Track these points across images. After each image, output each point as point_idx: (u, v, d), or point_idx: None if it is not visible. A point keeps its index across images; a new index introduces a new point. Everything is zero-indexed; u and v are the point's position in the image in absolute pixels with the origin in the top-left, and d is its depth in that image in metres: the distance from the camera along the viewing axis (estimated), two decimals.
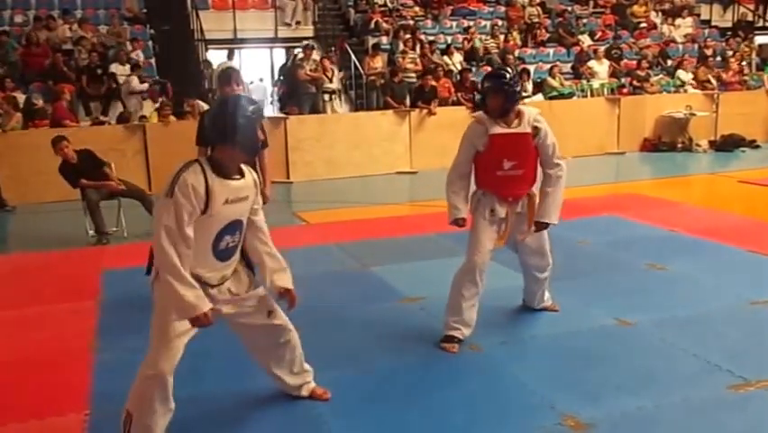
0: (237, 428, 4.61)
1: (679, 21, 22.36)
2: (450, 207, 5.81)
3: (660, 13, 22.86)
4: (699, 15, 23.59)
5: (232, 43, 19.10)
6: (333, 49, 18.15)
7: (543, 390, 5.01)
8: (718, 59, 20.52)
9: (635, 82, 18.50)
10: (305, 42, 18.23)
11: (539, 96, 17.32)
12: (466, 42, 18.90)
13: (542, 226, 5.84)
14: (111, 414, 4.78)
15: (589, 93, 18.27)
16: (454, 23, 20.39)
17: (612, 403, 4.79)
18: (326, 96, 16.60)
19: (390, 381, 5.22)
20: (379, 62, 17.47)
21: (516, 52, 18.92)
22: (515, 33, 19.96)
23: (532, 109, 5.81)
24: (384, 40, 18.79)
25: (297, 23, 20.22)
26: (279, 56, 21.39)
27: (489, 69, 17.53)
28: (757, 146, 17.63)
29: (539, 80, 18.10)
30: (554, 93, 17.56)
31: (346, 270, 8.09)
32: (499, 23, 20.37)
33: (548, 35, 20.33)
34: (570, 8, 21.89)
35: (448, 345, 5.71)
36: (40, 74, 15.19)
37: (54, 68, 15.14)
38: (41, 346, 6.11)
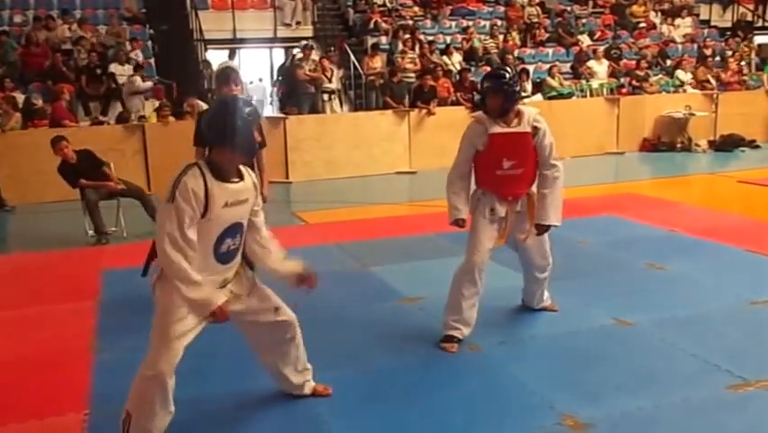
0: (237, 428, 4.61)
1: (678, 21, 22.36)
2: (450, 208, 5.81)
3: (659, 13, 22.86)
4: (698, 15, 23.59)
5: (231, 43, 19.10)
6: (332, 49, 18.13)
7: (542, 390, 5.01)
8: (718, 59, 20.53)
9: (634, 82, 18.50)
10: (303, 42, 18.22)
11: (538, 96, 17.33)
12: (465, 42, 18.89)
13: (543, 229, 5.84)
14: (110, 414, 4.78)
15: (588, 93, 18.28)
16: (453, 23, 20.37)
17: (611, 403, 4.79)
18: (325, 96, 16.60)
19: (390, 381, 5.23)
20: (378, 62, 17.45)
21: (516, 52, 18.92)
22: (514, 33, 19.94)
23: (531, 109, 5.82)
24: (383, 40, 18.78)
25: (298, 23, 20.21)
26: (279, 56, 21.38)
27: (489, 68, 17.55)
28: (757, 146, 17.63)
29: (538, 80, 18.10)
30: (554, 93, 17.56)
31: (346, 270, 8.09)
32: (499, 22, 20.35)
33: (547, 35, 20.33)
34: (569, 8, 21.88)
35: (447, 345, 5.72)
36: (39, 74, 15.19)
37: (53, 68, 15.13)
38: (40, 346, 6.10)
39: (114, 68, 15.60)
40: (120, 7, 18.45)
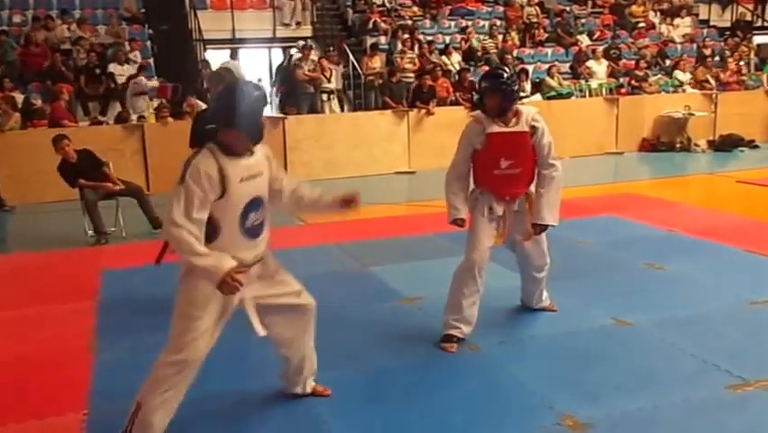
0: (237, 428, 4.61)
1: (677, 21, 22.36)
2: (449, 207, 5.81)
3: (658, 13, 22.86)
4: (697, 15, 23.58)
5: (230, 43, 19.09)
6: (331, 48, 18.12)
7: (541, 390, 5.01)
8: (717, 58, 20.53)
9: (633, 82, 18.51)
10: (301, 42, 18.21)
11: (537, 96, 17.32)
12: (464, 42, 18.89)
13: (540, 228, 5.83)
14: (110, 414, 4.79)
15: (587, 93, 18.28)
16: (453, 23, 20.35)
17: (611, 403, 4.80)
18: (324, 96, 16.59)
19: (390, 381, 5.23)
20: (377, 62, 17.45)
21: (515, 52, 18.91)
22: (513, 33, 19.94)
23: (530, 108, 5.81)
24: (382, 40, 18.78)
25: (298, 23, 20.21)
26: (278, 56, 21.38)
27: (488, 68, 17.56)
28: (756, 146, 17.63)
29: (537, 80, 18.11)
30: (553, 93, 17.56)
31: (345, 270, 8.09)
32: (498, 22, 20.33)
33: (546, 35, 20.33)
34: (568, 8, 21.87)
35: (447, 344, 5.72)
36: (38, 74, 15.19)
37: (52, 68, 15.12)
38: (39, 346, 6.10)
39: (113, 68, 15.61)
40: (119, 7, 18.45)
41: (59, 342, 6.19)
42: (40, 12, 17.39)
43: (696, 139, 17.45)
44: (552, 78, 17.81)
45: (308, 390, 4.93)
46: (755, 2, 25.20)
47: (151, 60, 16.79)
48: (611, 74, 18.87)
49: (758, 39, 23.52)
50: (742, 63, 20.41)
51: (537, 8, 21.33)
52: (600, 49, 19.45)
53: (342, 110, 17.09)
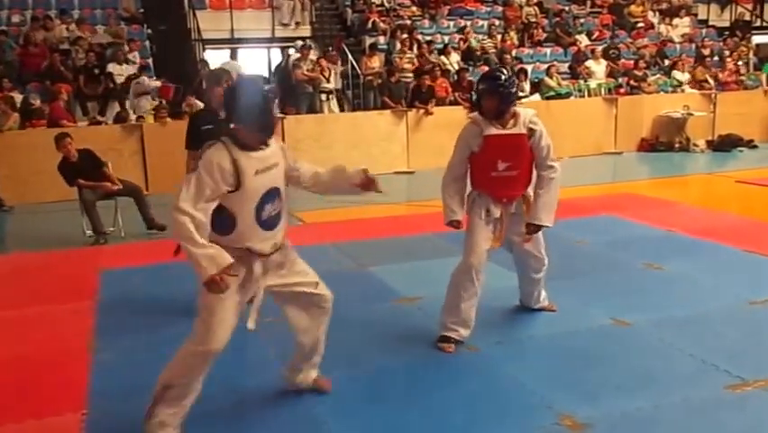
0: (237, 427, 4.61)
1: (676, 20, 22.36)
2: (445, 209, 5.80)
3: (657, 13, 22.86)
4: (696, 15, 23.60)
5: (229, 43, 19.08)
6: (330, 48, 18.11)
7: (540, 390, 5.01)
8: (716, 58, 20.54)
9: (632, 82, 18.52)
10: (298, 42, 18.20)
11: (536, 96, 17.32)
12: (462, 42, 18.89)
13: (535, 229, 5.81)
14: (108, 414, 4.80)
15: (586, 93, 18.28)
16: (451, 23, 20.35)
17: (610, 403, 4.80)
18: (323, 96, 16.58)
19: (389, 381, 5.23)
20: (376, 62, 17.45)
21: (514, 52, 18.90)
22: (512, 33, 19.93)
23: (528, 110, 5.79)
24: (381, 39, 18.79)
25: (297, 23, 20.20)
26: (277, 56, 21.37)
27: (487, 68, 17.55)
28: (755, 146, 17.65)
29: (536, 80, 18.12)
30: (552, 93, 17.56)
31: (343, 270, 8.09)
32: (496, 22, 20.34)
33: (545, 35, 20.33)
34: (567, 8, 21.87)
35: (445, 344, 5.72)
36: (37, 74, 15.17)
37: (51, 68, 15.11)
38: (38, 346, 6.10)
39: (111, 67, 15.59)
40: (118, 7, 18.44)
41: (57, 342, 6.19)
42: (38, 12, 17.36)
43: (695, 139, 17.47)
44: (550, 77, 17.81)
45: (310, 381, 4.96)
46: (754, 2, 25.22)
47: (150, 60, 16.77)
48: (610, 74, 18.87)
49: (757, 39, 23.55)
50: (741, 63, 20.42)
51: (536, 8, 21.34)
52: (599, 49, 19.45)
53: (343, 110, 17.07)
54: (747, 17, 24.15)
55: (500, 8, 21.24)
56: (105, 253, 9.20)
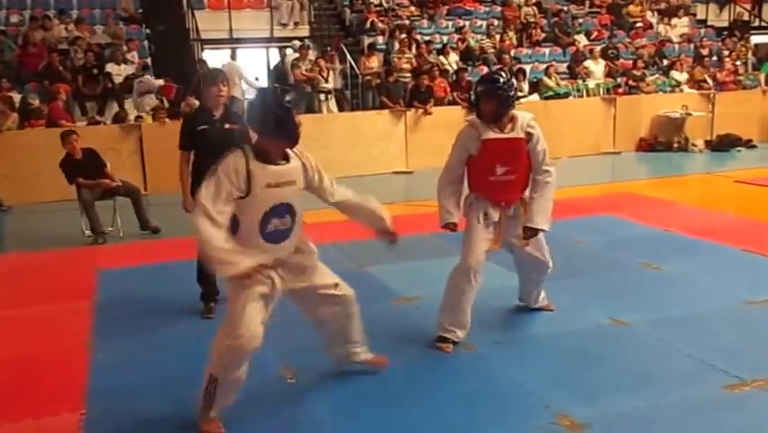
0: (237, 427, 4.61)
1: (675, 20, 22.36)
2: (441, 211, 5.79)
3: (656, 13, 22.86)
4: (695, 15, 23.60)
5: (227, 43, 19.07)
6: (328, 48, 18.10)
7: (538, 389, 5.02)
8: (714, 58, 20.54)
9: (630, 82, 18.51)
10: (295, 42, 18.18)
11: (535, 96, 17.32)
12: (461, 42, 18.89)
13: (531, 232, 5.80)
14: (106, 413, 4.80)
15: (584, 93, 18.27)
16: (450, 23, 20.36)
17: (607, 403, 4.80)
18: (322, 96, 16.57)
19: (388, 380, 5.22)
20: (374, 62, 17.45)
21: (512, 52, 18.88)
22: (510, 33, 19.93)
23: (525, 114, 5.77)
24: (380, 39, 18.79)
25: (296, 23, 20.21)
26: (275, 56, 21.36)
27: (485, 68, 17.57)
28: (753, 146, 17.64)
29: (535, 80, 18.11)
30: (550, 93, 17.56)
31: (342, 269, 7.99)
32: (495, 22, 20.36)
33: (544, 35, 20.32)
34: (566, 8, 21.86)
35: (443, 344, 5.72)
36: (35, 74, 15.17)
37: (50, 67, 15.11)
38: (36, 346, 6.11)
39: (110, 67, 15.58)
40: (116, 7, 18.44)
41: (56, 342, 6.19)
42: (37, 12, 17.37)
43: (693, 139, 17.46)
44: (549, 77, 17.81)
45: (362, 358, 5.22)
46: (753, 2, 25.22)
47: (149, 60, 16.76)
48: (608, 74, 18.86)
49: (755, 38, 23.54)
50: (739, 63, 20.43)
51: (535, 8, 21.33)
52: (598, 49, 19.43)
53: (342, 110, 17.06)
54: (746, 17, 24.15)
55: (499, 8, 21.23)
56: (104, 253, 9.20)
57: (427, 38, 18.87)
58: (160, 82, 15.32)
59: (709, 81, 19.02)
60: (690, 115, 17.38)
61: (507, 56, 18.17)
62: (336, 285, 4.84)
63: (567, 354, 5.66)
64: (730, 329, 6.03)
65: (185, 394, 4.67)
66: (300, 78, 16.26)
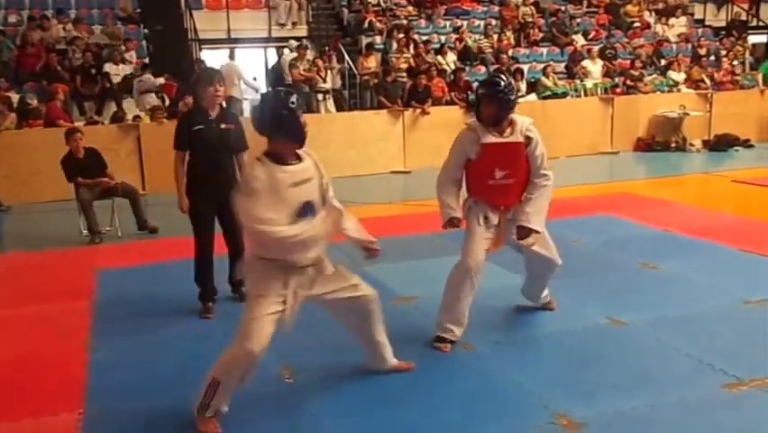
0: (237, 427, 4.61)
1: (672, 20, 22.39)
2: (443, 208, 5.78)
3: (653, 13, 22.87)
4: (692, 15, 23.61)
5: (225, 43, 19.07)
6: (326, 48, 18.11)
7: (536, 389, 5.03)
8: (712, 58, 20.55)
9: (628, 82, 18.51)
10: (291, 42, 18.18)
11: (533, 96, 17.32)
12: (458, 42, 18.89)
13: (525, 232, 5.80)
14: (105, 413, 4.80)
15: (582, 93, 18.27)
16: (448, 23, 20.37)
17: (605, 402, 4.81)
18: (320, 96, 16.57)
19: (388, 380, 5.22)
20: (372, 62, 17.46)
21: (510, 52, 18.89)
22: (508, 33, 19.94)
23: (525, 119, 5.77)
24: (378, 39, 18.79)
25: (294, 23, 20.21)
26: (273, 56, 21.36)
27: (483, 68, 17.60)
28: (751, 146, 17.65)
29: (533, 80, 18.11)
30: (548, 93, 17.57)
31: None
32: (493, 22, 20.37)
33: (541, 35, 20.32)
34: (563, 8, 21.88)
35: (441, 344, 5.73)
36: (33, 74, 15.17)
37: (48, 67, 15.10)
38: (35, 346, 6.11)
39: (108, 67, 15.58)
40: (115, 7, 18.44)
41: (54, 341, 6.19)
42: (35, 12, 17.37)
43: (691, 138, 17.47)
44: (547, 77, 17.82)
45: (389, 365, 5.26)
46: (750, 2, 25.23)
47: (147, 60, 16.75)
48: (606, 74, 18.86)
49: (753, 38, 23.56)
50: (737, 63, 20.43)
51: (532, 8, 21.33)
52: (595, 48, 19.43)
53: (340, 110, 17.05)
54: (743, 17, 24.16)
55: (497, 8, 21.26)
56: (102, 253, 9.20)
57: (425, 38, 18.88)
58: (161, 81, 15.32)
59: (707, 81, 19.03)
60: (687, 114, 17.39)
61: (504, 56, 18.19)
62: (356, 286, 4.91)
63: (565, 354, 5.67)
64: (728, 329, 6.04)
65: (183, 394, 4.67)
66: (298, 78, 16.27)
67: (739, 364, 5.29)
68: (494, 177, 5.64)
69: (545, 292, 6.48)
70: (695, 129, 17.68)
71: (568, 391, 4.96)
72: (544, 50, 19.78)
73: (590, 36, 20.82)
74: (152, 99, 14.87)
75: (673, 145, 17.28)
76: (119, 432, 4.67)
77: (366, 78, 17.24)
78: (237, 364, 4.46)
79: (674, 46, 21.24)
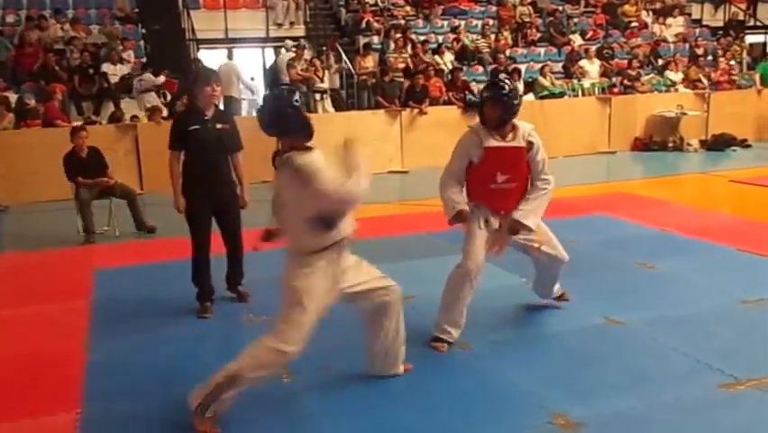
0: (237, 427, 4.62)
1: (670, 20, 22.41)
2: (447, 204, 5.78)
3: (651, 13, 22.90)
4: (690, 15, 23.64)
5: (223, 43, 19.07)
6: (324, 48, 18.11)
7: (534, 389, 5.04)
8: (709, 58, 20.57)
9: (626, 81, 18.53)
10: (288, 42, 18.17)
11: (530, 96, 17.31)
12: (456, 42, 18.90)
13: (517, 227, 5.80)
14: (103, 413, 4.80)
15: (580, 92, 18.30)
16: (445, 23, 20.38)
17: (603, 402, 4.82)
18: (317, 96, 16.57)
19: (385, 380, 5.23)
20: (370, 62, 17.46)
21: (507, 52, 18.90)
22: (506, 33, 19.96)
23: (526, 124, 5.80)
24: (375, 39, 18.79)
25: (291, 23, 20.21)
26: (271, 56, 21.35)
27: (480, 68, 17.60)
28: (748, 145, 17.67)
29: (530, 80, 18.11)
30: (545, 92, 17.58)
31: None
32: (490, 22, 20.39)
33: (539, 35, 20.34)
34: (561, 7, 21.90)
35: (438, 344, 5.74)
36: (31, 74, 15.16)
37: (46, 67, 15.10)
38: (33, 345, 6.10)
39: (106, 67, 15.57)
40: (112, 7, 18.44)
41: (53, 341, 6.19)
42: (33, 11, 17.37)
43: (688, 138, 17.49)
44: (544, 77, 17.83)
45: (400, 370, 5.25)
46: (748, 1, 25.25)
47: (144, 60, 16.75)
48: (604, 73, 18.87)
49: (750, 38, 23.59)
50: (734, 63, 20.44)
51: (530, 8, 21.35)
52: (593, 48, 19.47)
53: (338, 110, 17.04)
54: (741, 17, 24.20)
55: (494, 8, 21.28)
56: (100, 253, 9.19)
57: (423, 38, 18.91)
58: (162, 79, 15.32)
59: (704, 81, 19.06)
60: (685, 114, 17.42)
61: (502, 55, 18.19)
62: (381, 277, 5.04)
63: (563, 354, 5.68)
64: (726, 329, 6.05)
65: (181, 394, 4.67)
66: (296, 78, 16.26)
67: (736, 364, 5.30)
68: (496, 181, 5.66)
69: (557, 287, 6.49)
70: (692, 129, 17.70)
71: (565, 391, 4.96)
72: (542, 50, 19.79)
73: (588, 36, 20.84)
74: (152, 98, 14.87)
75: (671, 145, 17.30)
76: (117, 432, 4.68)
77: (363, 77, 17.24)
78: (270, 366, 4.54)
79: (672, 46, 21.27)
